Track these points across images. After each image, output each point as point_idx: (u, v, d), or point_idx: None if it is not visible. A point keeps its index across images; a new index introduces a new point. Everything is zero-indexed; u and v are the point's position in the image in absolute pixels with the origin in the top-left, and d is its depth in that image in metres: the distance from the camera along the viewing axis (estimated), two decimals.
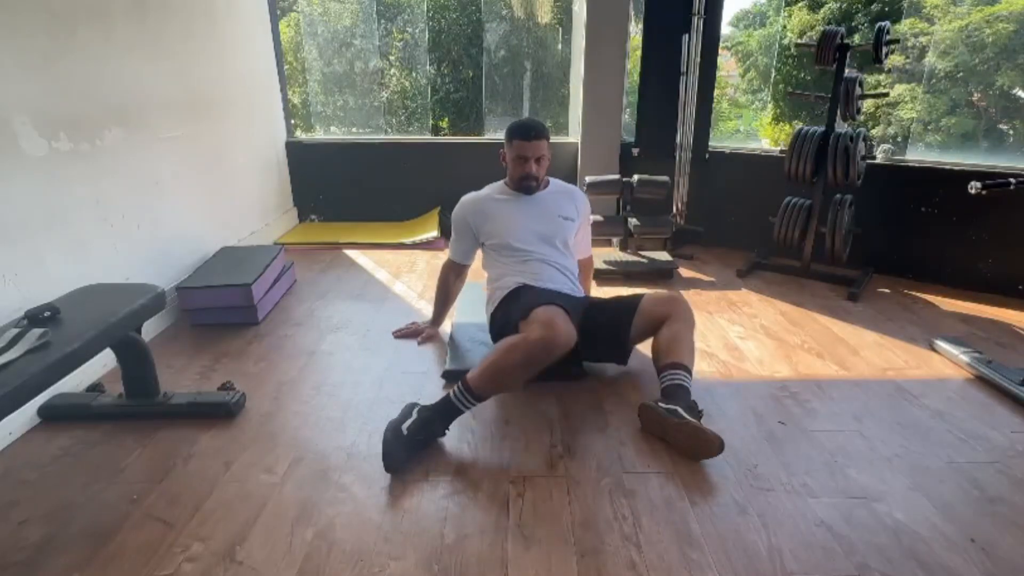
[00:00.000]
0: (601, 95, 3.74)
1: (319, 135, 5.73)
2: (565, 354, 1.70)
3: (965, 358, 2.14)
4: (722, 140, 8.13)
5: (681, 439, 1.63)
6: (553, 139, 4.10)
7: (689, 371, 1.80)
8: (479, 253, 2.23)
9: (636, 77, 3.79)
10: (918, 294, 2.93)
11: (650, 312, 1.98)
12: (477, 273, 2.30)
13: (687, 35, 3.33)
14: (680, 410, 1.66)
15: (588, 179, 3.33)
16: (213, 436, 1.74)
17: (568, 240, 2.14)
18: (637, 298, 2.04)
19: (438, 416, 1.68)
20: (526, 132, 2.03)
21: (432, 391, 2.00)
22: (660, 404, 1.70)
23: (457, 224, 2.18)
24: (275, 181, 3.89)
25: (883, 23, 2.84)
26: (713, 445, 1.57)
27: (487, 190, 2.19)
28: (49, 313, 1.51)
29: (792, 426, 1.80)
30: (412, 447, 1.60)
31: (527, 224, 2.09)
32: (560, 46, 6.25)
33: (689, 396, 1.74)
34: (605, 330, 2.01)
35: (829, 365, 2.19)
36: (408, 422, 1.62)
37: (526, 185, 2.08)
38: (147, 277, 2.18)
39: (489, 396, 1.73)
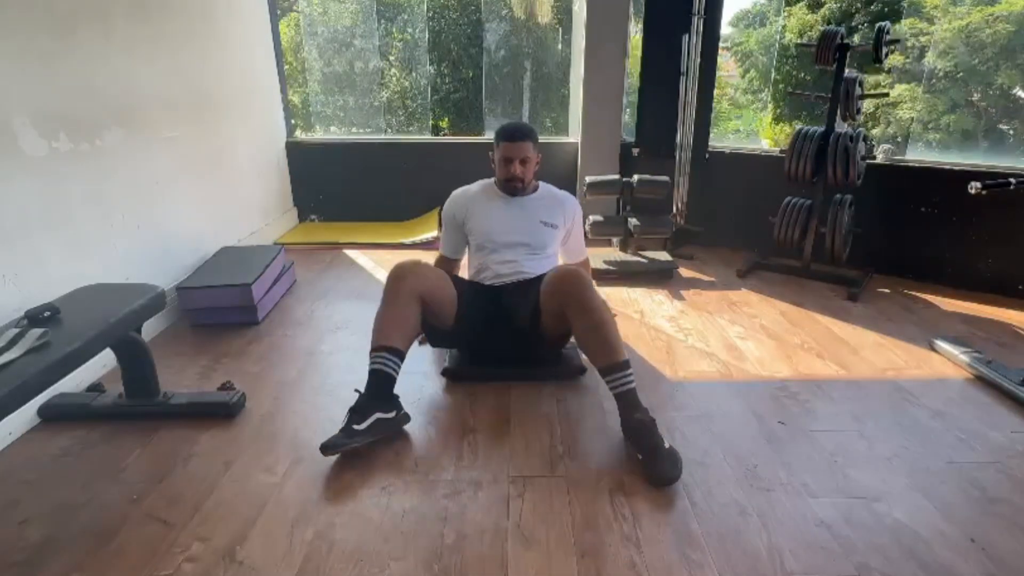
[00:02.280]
0: (601, 95, 3.74)
1: (319, 135, 5.73)
2: (418, 283, 1.82)
3: (965, 358, 2.14)
4: (722, 140, 8.13)
5: None
6: (553, 139, 4.14)
7: (621, 364, 1.68)
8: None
9: (636, 77, 3.79)
10: (918, 294, 2.93)
11: (548, 303, 1.85)
12: None
13: (687, 35, 3.33)
14: (631, 446, 1.63)
15: (588, 179, 3.34)
16: (213, 436, 1.74)
17: (548, 246, 2.15)
18: (538, 296, 1.90)
19: (369, 394, 1.69)
20: (511, 134, 2.06)
21: (432, 391, 2.00)
22: (627, 442, 1.67)
23: (446, 218, 2.23)
24: (275, 181, 3.88)
25: (883, 23, 2.85)
26: (655, 482, 1.52)
27: (477, 187, 2.23)
28: (49, 313, 1.51)
29: (792, 426, 1.80)
30: (349, 431, 1.61)
31: (504, 225, 2.12)
32: (560, 46, 6.25)
33: (634, 401, 1.66)
34: (520, 327, 1.96)
35: (829, 365, 2.19)
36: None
37: (511, 187, 2.11)
38: (147, 277, 2.17)
39: (388, 341, 1.75)
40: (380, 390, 1.71)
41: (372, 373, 1.73)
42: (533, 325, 1.94)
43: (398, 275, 1.84)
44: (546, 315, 1.89)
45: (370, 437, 1.63)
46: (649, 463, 1.55)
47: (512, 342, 2.02)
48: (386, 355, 1.75)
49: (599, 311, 1.73)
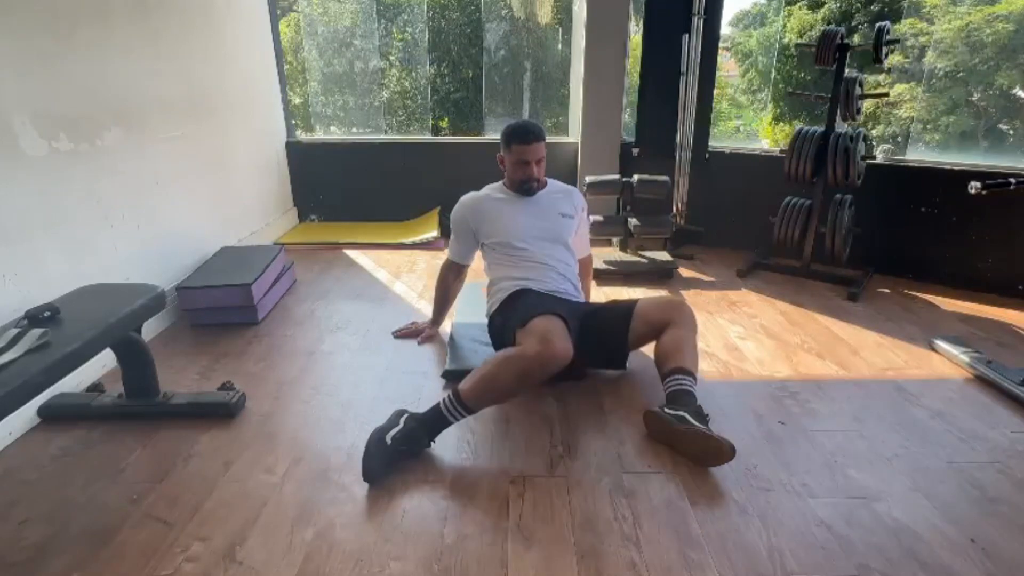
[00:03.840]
0: (601, 95, 3.74)
1: (319, 135, 5.73)
2: (561, 368, 1.68)
3: (965, 358, 2.14)
4: (722, 140, 8.13)
5: (689, 446, 1.61)
6: (553, 139, 4.14)
7: (694, 376, 1.77)
8: (479, 253, 2.22)
9: (636, 77, 3.79)
10: (918, 294, 2.93)
11: (649, 317, 1.96)
12: (477, 273, 2.30)
13: (687, 35, 3.33)
14: (687, 416, 1.63)
15: (588, 179, 3.34)
16: (213, 436, 1.74)
17: (568, 238, 2.14)
18: (633, 303, 2.02)
19: (425, 426, 1.63)
20: (525, 135, 2.03)
21: (432, 391, 2.00)
22: (666, 410, 1.68)
23: (456, 224, 2.18)
24: (275, 181, 3.89)
25: (883, 23, 2.84)
26: (723, 452, 1.54)
27: (486, 190, 2.19)
28: (49, 313, 1.51)
29: (792, 426, 1.80)
30: (394, 457, 1.57)
31: (528, 222, 2.09)
32: (560, 46, 6.25)
33: (695, 401, 1.70)
34: (601, 337, 1.98)
35: (829, 365, 2.19)
36: (394, 431, 1.59)
37: (527, 187, 2.09)
38: (147, 277, 2.18)
39: (480, 408, 1.68)
40: (434, 429, 1.66)
41: (440, 417, 1.64)
42: (624, 346, 2.00)
43: (547, 362, 1.63)
44: (642, 331, 1.96)
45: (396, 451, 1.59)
46: (707, 434, 1.57)
47: (595, 361, 2.06)
48: (466, 413, 1.66)
49: (695, 330, 1.91)
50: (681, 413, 1.65)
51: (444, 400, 1.66)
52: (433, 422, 1.65)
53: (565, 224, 2.13)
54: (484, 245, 2.15)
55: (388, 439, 1.57)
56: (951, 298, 2.86)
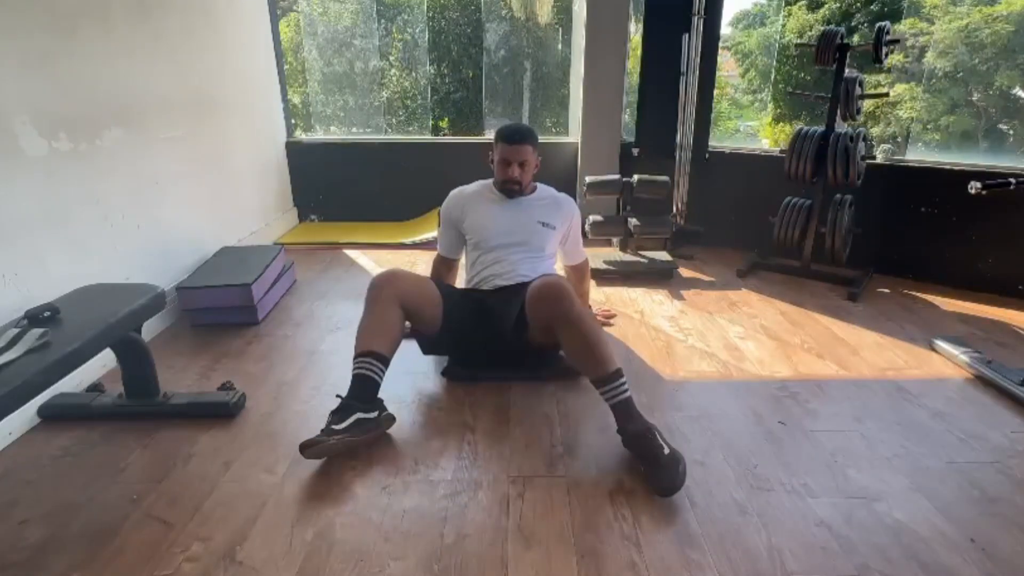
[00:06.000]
0: (601, 95, 3.74)
1: (319, 135, 5.73)
2: (397, 289, 1.82)
3: (965, 358, 2.14)
4: (722, 140, 8.13)
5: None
6: (553, 139, 4.14)
7: (612, 377, 1.63)
8: None
9: (636, 77, 3.79)
10: (918, 294, 2.93)
11: (533, 317, 1.82)
12: None
13: (687, 35, 3.33)
14: (634, 456, 1.58)
15: (588, 179, 3.34)
16: (213, 436, 1.74)
17: (545, 246, 2.15)
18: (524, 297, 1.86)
19: (351, 395, 1.68)
20: (510, 136, 2.05)
21: (432, 391, 2.00)
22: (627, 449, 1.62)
23: (444, 217, 2.23)
24: (275, 181, 3.88)
25: (883, 23, 2.84)
26: (657, 493, 1.48)
27: (475, 186, 2.23)
28: (49, 313, 1.51)
29: (792, 426, 1.80)
30: (332, 434, 1.58)
31: (504, 226, 2.11)
32: (560, 46, 6.25)
33: (627, 412, 1.61)
34: (506, 334, 1.91)
35: (829, 365, 2.19)
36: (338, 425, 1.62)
37: (507, 189, 2.11)
38: (147, 277, 2.18)
39: (367, 346, 1.74)
40: (363, 393, 1.70)
41: (355, 378, 1.72)
42: (519, 333, 1.92)
43: (377, 283, 1.84)
44: (533, 327, 1.87)
45: (350, 437, 1.60)
46: (650, 474, 1.52)
47: (500, 349, 1.99)
48: (369, 360, 1.73)
49: (585, 324, 1.68)
50: (631, 454, 1.58)
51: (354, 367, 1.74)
52: (356, 388, 1.70)
53: (543, 233, 2.13)
54: (466, 241, 2.20)
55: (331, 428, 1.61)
56: (951, 298, 2.86)
